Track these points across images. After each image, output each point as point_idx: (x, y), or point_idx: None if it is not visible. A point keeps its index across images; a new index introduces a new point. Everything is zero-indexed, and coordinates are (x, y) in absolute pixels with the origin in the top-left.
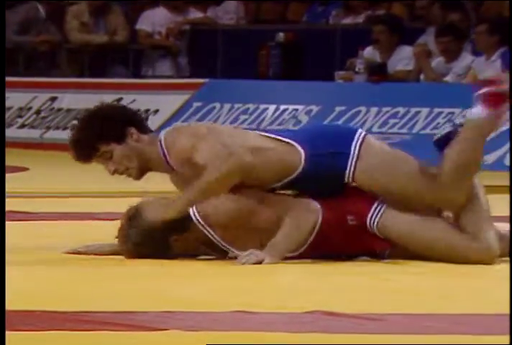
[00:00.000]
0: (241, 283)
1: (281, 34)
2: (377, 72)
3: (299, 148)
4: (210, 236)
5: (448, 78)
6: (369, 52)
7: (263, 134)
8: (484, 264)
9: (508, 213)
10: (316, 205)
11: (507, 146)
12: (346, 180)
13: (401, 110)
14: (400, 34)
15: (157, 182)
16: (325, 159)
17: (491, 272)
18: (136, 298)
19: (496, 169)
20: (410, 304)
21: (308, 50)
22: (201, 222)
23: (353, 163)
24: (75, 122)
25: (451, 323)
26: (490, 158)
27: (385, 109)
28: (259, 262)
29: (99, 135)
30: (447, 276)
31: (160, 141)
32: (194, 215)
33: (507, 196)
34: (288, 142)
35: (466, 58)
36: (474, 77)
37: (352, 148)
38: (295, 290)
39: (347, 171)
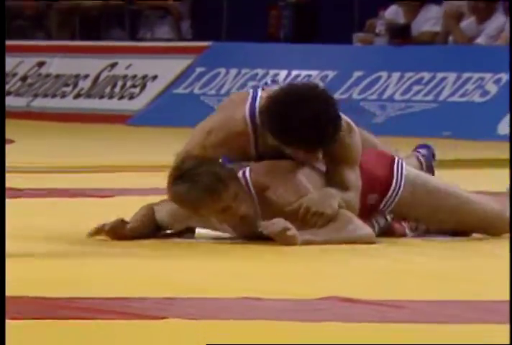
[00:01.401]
0: (250, 267)
1: None
2: (400, 34)
3: None
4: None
5: (479, 40)
6: (391, 12)
7: None
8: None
9: None
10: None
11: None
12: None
13: (426, 75)
14: None
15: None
16: None
17: None
18: (133, 283)
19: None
20: (434, 289)
21: (322, 10)
22: (253, 192)
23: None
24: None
25: (480, 310)
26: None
27: (408, 75)
28: (284, 231)
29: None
30: (472, 257)
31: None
32: (248, 184)
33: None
34: None
35: (499, 18)
36: (505, 38)
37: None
38: (308, 274)
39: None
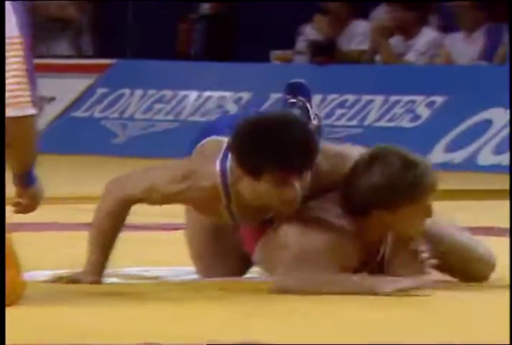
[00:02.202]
0: (155, 309)
1: (206, 5)
2: (323, 51)
3: None
4: None
5: (409, 57)
6: (314, 28)
7: None
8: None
9: None
10: None
11: (479, 142)
12: None
13: (350, 98)
14: (355, 5)
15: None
16: None
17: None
18: (33, 330)
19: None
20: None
21: (238, 24)
22: None
23: None
24: None
25: None
26: (458, 156)
27: (330, 97)
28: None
29: None
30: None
31: None
32: None
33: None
34: None
35: (429, 33)
36: (447, 56)
37: None
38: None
39: None
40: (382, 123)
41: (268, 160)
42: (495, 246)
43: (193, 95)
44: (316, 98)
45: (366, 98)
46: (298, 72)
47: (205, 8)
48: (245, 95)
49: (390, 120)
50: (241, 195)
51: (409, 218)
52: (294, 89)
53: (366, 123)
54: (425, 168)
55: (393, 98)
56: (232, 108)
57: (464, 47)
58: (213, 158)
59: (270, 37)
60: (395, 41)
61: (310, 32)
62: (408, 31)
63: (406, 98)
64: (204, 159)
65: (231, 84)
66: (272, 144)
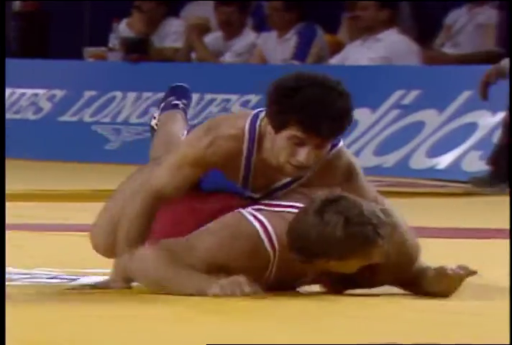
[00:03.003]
0: None
1: (17, 2)
2: (136, 49)
3: None
4: None
5: (227, 58)
6: (127, 25)
7: None
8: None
9: None
10: None
11: (411, 145)
12: None
13: None
14: (168, 3)
15: None
16: None
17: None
18: None
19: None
20: None
21: (52, 21)
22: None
23: None
24: None
25: None
26: (389, 159)
27: (145, 95)
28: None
29: None
30: None
31: None
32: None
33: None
34: None
35: (249, 35)
36: (261, 56)
37: None
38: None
39: None
40: (198, 121)
41: (296, 116)
42: None
43: (7, 92)
44: (131, 96)
45: None
46: (112, 70)
47: (16, 5)
48: (58, 93)
49: (206, 118)
50: (263, 151)
51: (352, 265)
52: (177, 91)
53: None
54: (376, 224)
55: (208, 97)
56: (45, 106)
57: (277, 47)
58: (243, 115)
59: (84, 33)
60: (215, 39)
61: (124, 29)
62: (231, 31)
63: (221, 97)
64: (232, 116)
65: (44, 81)
66: (307, 103)
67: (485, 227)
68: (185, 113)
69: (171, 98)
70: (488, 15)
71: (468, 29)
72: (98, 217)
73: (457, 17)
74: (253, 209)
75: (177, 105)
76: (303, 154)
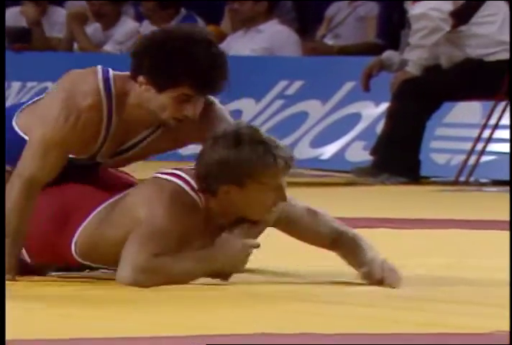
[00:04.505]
0: None
1: None
2: (20, 38)
3: None
4: None
5: (108, 47)
6: (12, 14)
7: None
8: None
9: None
10: None
11: (295, 135)
12: None
13: (50, 85)
14: None
15: None
16: None
17: None
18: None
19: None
20: None
21: None
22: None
23: None
24: None
25: None
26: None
27: (30, 84)
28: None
29: None
30: None
31: None
32: None
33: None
34: None
35: (127, 24)
36: None
37: None
38: None
39: None
40: None
41: (188, 76)
42: None
43: None
44: (15, 86)
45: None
46: None
47: None
48: None
49: None
50: (126, 108)
51: (258, 198)
52: None
53: None
54: (273, 147)
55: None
56: None
57: (243, 42)
58: (92, 81)
59: None
60: (94, 30)
61: (10, 18)
62: (107, 21)
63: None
64: (79, 80)
65: None
66: (197, 62)
67: (367, 216)
68: None
69: None
70: (369, 7)
71: (349, 21)
72: None
73: (338, 9)
74: (164, 173)
75: None
76: (190, 110)
